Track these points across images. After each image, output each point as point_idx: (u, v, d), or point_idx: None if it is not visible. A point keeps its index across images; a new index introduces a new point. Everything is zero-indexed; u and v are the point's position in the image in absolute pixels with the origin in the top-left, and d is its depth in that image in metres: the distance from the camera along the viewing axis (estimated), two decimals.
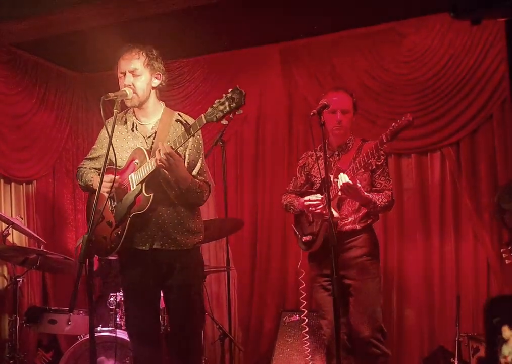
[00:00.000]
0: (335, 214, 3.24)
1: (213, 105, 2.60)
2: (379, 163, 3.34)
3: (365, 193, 3.24)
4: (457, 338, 3.69)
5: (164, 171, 2.79)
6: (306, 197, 3.39)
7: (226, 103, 2.57)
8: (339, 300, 2.71)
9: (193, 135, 2.72)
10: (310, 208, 3.34)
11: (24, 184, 4.95)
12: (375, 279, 3.37)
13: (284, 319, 4.38)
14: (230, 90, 2.58)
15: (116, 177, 2.75)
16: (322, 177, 3.38)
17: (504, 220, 1.88)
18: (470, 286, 4.25)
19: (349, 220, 3.36)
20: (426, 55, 4.37)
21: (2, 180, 4.73)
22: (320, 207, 3.29)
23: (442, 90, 4.32)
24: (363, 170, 3.29)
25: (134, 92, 2.89)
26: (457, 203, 4.36)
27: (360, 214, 3.37)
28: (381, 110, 4.48)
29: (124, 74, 2.90)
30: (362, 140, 3.47)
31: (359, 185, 3.16)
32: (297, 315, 4.34)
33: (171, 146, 2.70)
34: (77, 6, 3.83)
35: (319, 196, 3.33)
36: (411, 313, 4.39)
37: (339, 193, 3.23)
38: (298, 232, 3.53)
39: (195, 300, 2.99)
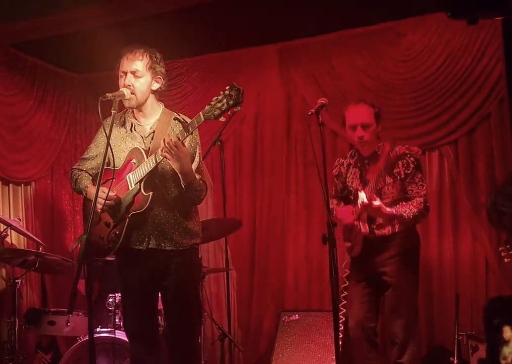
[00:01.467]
0: (363, 229, 3.32)
1: (211, 102, 2.60)
2: (408, 171, 3.32)
3: (388, 209, 3.24)
4: (456, 337, 3.69)
5: (164, 168, 2.79)
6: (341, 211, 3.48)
7: (224, 100, 2.57)
8: (337, 300, 2.72)
9: (191, 133, 2.72)
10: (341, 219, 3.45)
11: (22, 185, 4.95)
12: (411, 278, 3.38)
13: (283, 319, 4.39)
14: (228, 87, 2.59)
15: (111, 194, 2.75)
16: (354, 187, 3.44)
17: (502, 223, 1.88)
18: (468, 285, 4.26)
19: (387, 229, 3.38)
20: (424, 54, 4.38)
21: (0, 182, 4.73)
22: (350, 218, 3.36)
23: (439, 89, 4.33)
24: (392, 180, 3.31)
25: (132, 93, 2.88)
26: (455, 202, 4.36)
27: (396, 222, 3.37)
28: (380, 109, 4.47)
29: (126, 73, 2.90)
30: (391, 146, 3.37)
31: (377, 203, 3.17)
32: (296, 315, 4.35)
33: (177, 137, 2.69)
34: (74, 7, 3.83)
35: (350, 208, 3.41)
36: None
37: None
38: (344, 237, 3.58)
39: (191, 301, 2.98)
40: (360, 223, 3.33)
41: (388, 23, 4.50)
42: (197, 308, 3.08)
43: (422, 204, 3.29)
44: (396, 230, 3.36)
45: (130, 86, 2.88)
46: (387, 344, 3.38)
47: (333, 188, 3.72)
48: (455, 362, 3.61)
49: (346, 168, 3.56)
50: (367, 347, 3.40)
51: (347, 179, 3.54)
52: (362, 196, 3.18)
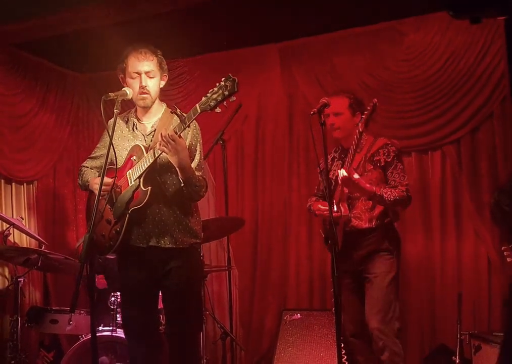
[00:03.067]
0: (343, 210, 3.34)
1: (207, 94, 2.63)
2: (389, 160, 3.38)
3: (368, 185, 3.26)
4: (458, 336, 3.69)
5: (163, 163, 2.81)
6: (317, 206, 3.48)
7: (220, 91, 2.59)
8: (339, 297, 2.72)
9: (188, 125, 2.73)
10: (318, 213, 3.48)
11: (25, 184, 4.96)
12: (389, 274, 3.36)
13: (285, 318, 4.39)
14: (223, 78, 2.61)
15: (109, 180, 2.75)
16: (335, 177, 3.44)
17: (505, 221, 1.87)
18: (471, 284, 4.25)
19: (363, 219, 3.39)
20: (426, 53, 4.37)
21: (3, 181, 4.74)
22: (326, 212, 3.33)
23: (442, 88, 4.32)
24: (372, 166, 3.37)
25: (147, 93, 2.92)
26: (458, 201, 4.36)
27: (375, 214, 3.39)
28: (381, 109, 4.45)
29: (139, 74, 2.92)
30: (374, 138, 3.51)
31: (356, 176, 3.19)
32: (298, 314, 4.35)
33: (174, 131, 2.71)
34: (76, 7, 3.84)
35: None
36: (412, 311, 4.39)
37: (345, 189, 3.33)
38: (323, 234, 3.62)
39: (191, 301, 2.98)
40: (340, 205, 3.34)
41: (390, 22, 4.49)
42: (197, 308, 3.08)
43: (404, 192, 3.31)
44: (373, 224, 3.38)
45: (146, 86, 2.90)
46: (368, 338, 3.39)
47: (316, 187, 3.83)
48: (457, 361, 3.61)
49: (330, 162, 3.58)
50: (364, 344, 3.43)
51: (330, 172, 3.55)
52: (342, 172, 3.20)
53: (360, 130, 3.22)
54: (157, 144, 2.73)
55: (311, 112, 2.93)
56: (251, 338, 4.87)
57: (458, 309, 3.83)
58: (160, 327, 3.37)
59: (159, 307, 3.15)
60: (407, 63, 4.46)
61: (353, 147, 3.27)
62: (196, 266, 3.07)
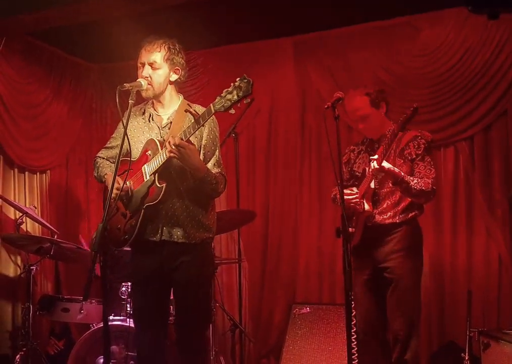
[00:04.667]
0: (366, 206, 3.29)
1: (221, 94, 2.62)
2: (419, 152, 3.30)
3: (397, 170, 3.18)
4: (467, 333, 3.67)
5: (177, 160, 2.81)
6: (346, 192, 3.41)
7: (234, 92, 2.59)
8: (350, 293, 2.72)
9: (203, 125, 2.73)
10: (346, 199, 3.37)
11: (38, 173, 5.00)
12: (414, 274, 3.32)
13: (294, 311, 4.40)
14: (238, 79, 2.60)
15: (124, 185, 2.76)
16: (360, 171, 3.42)
17: None
18: (481, 282, 4.24)
19: (388, 215, 3.33)
20: (441, 49, 4.35)
21: (16, 170, 4.77)
22: (355, 200, 3.30)
23: (456, 85, 4.30)
24: (402, 161, 3.30)
25: (149, 84, 2.91)
26: (469, 198, 4.35)
27: (400, 208, 3.33)
28: (395, 104, 4.44)
29: (143, 64, 2.93)
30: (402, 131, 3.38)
31: (387, 165, 3.12)
32: (307, 308, 4.37)
33: (181, 138, 2.71)
34: None
35: (354, 189, 3.36)
36: (422, 307, 4.38)
37: (371, 185, 3.27)
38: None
39: (201, 296, 2.98)
40: (364, 201, 3.30)
41: (405, 17, 4.47)
42: (206, 303, 3.07)
43: (430, 184, 3.24)
44: (397, 220, 3.31)
45: (148, 77, 2.90)
46: (390, 341, 3.37)
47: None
48: (466, 358, 3.60)
49: (356, 154, 3.56)
50: (375, 344, 3.40)
51: (355, 165, 3.53)
52: (373, 164, 3.13)
53: (396, 132, 3.12)
54: (167, 151, 2.72)
55: (326, 106, 2.92)
56: (260, 331, 4.90)
57: (467, 306, 3.82)
58: (170, 318, 3.38)
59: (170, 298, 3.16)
60: (421, 59, 4.44)
61: (385, 146, 3.16)
62: (207, 261, 3.07)
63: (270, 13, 4.39)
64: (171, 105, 3.03)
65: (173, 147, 2.68)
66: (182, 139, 2.71)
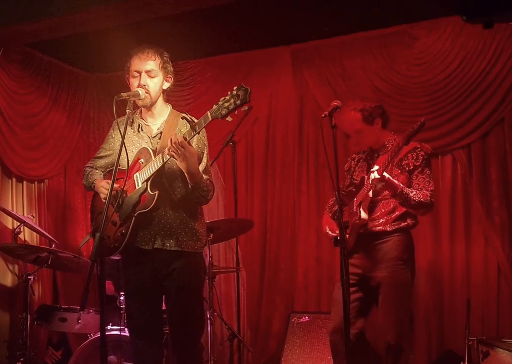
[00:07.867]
0: (363, 214, 3.29)
1: (219, 102, 2.62)
2: (417, 163, 3.30)
3: (396, 181, 3.18)
4: (466, 342, 3.66)
5: (171, 167, 2.81)
6: (325, 228, 3.46)
7: (232, 100, 2.59)
8: (348, 302, 2.71)
9: (198, 132, 2.73)
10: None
11: (36, 183, 5.00)
12: (404, 285, 3.30)
13: (293, 320, 4.39)
14: (235, 87, 2.60)
15: (115, 185, 2.74)
16: (359, 179, 3.42)
17: None
18: (480, 290, 4.24)
19: (380, 221, 3.33)
20: (437, 57, 4.37)
21: (14, 179, 4.78)
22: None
23: (453, 93, 4.32)
24: (399, 171, 3.30)
25: (146, 93, 2.91)
26: (467, 206, 4.35)
27: (393, 216, 3.33)
28: (392, 112, 4.45)
29: (140, 73, 2.93)
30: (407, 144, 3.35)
31: (386, 175, 3.12)
32: (306, 317, 4.36)
33: (184, 137, 2.71)
34: (89, 7, 3.85)
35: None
36: (420, 316, 4.38)
37: (370, 194, 3.27)
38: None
39: (193, 304, 2.97)
40: (361, 209, 3.30)
41: (402, 26, 4.50)
42: (199, 311, 3.04)
43: (428, 197, 3.24)
44: (388, 228, 3.31)
45: (145, 85, 2.91)
46: (382, 350, 3.34)
47: (340, 186, 3.72)
48: None
49: (356, 162, 3.57)
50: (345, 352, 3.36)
51: (354, 173, 3.54)
52: (374, 174, 3.11)
53: (400, 145, 3.10)
54: (166, 149, 2.73)
55: (323, 115, 2.93)
56: (258, 340, 4.87)
57: (466, 315, 3.81)
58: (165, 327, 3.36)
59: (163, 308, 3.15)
60: (418, 67, 4.46)
61: (387, 158, 3.15)
62: (198, 268, 3.04)
63: (268, 23, 4.42)
64: (161, 115, 3.03)
65: (174, 145, 2.68)
66: (185, 138, 2.71)
